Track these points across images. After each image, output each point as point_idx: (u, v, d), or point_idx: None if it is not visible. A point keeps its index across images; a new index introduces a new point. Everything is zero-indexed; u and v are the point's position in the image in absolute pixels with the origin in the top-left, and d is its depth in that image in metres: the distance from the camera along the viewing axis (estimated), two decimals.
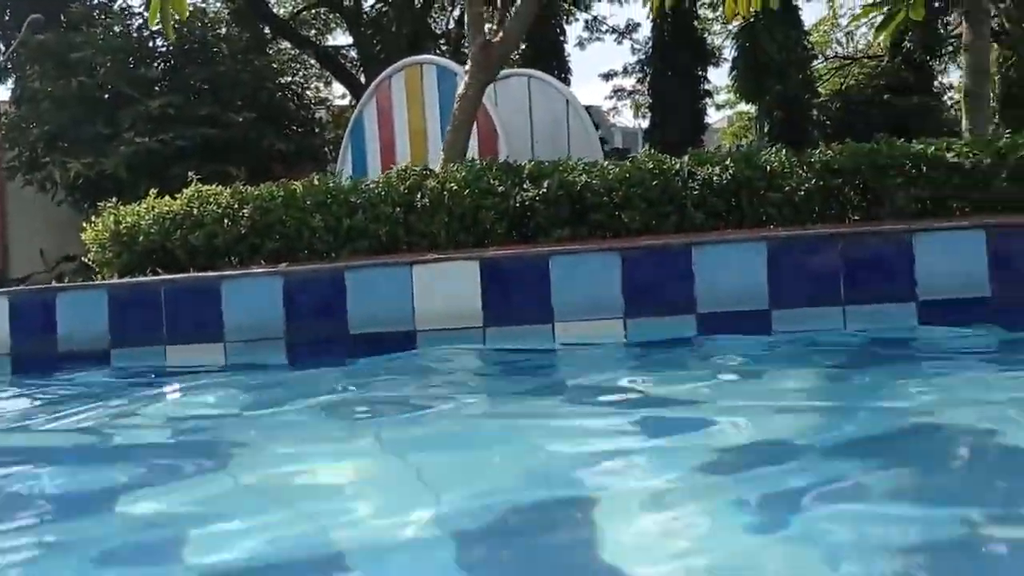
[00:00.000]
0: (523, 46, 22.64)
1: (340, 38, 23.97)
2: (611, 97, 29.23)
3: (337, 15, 22.40)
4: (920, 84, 20.50)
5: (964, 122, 6.70)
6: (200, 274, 4.56)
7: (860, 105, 20.42)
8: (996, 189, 5.10)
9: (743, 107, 25.01)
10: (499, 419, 2.58)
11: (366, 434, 2.49)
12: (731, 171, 5.19)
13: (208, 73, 14.40)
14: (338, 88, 23.26)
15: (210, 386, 3.71)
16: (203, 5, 17.56)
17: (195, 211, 5.44)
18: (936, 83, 22.16)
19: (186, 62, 14.59)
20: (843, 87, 22.95)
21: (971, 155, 5.14)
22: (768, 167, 5.25)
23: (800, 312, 3.31)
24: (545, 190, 5.12)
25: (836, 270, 3.34)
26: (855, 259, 3.34)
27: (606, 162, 5.46)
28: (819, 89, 22.85)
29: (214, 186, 5.75)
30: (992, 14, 17.28)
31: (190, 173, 6.07)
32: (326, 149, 16.46)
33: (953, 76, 23.42)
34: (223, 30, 16.31)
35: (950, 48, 20.32)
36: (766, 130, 20.04)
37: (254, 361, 3.96)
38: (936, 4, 17.30)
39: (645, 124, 23.60)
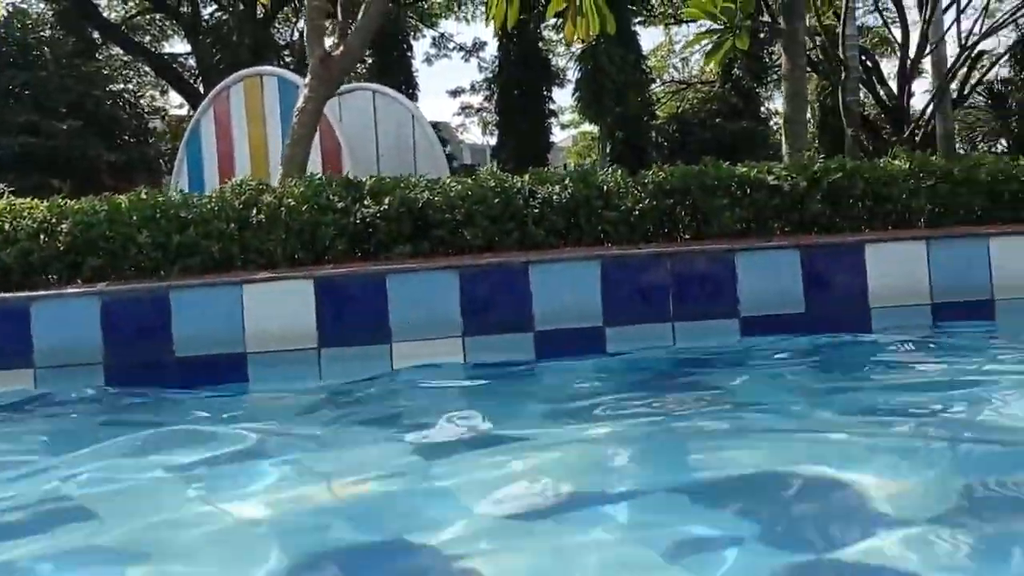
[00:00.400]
0: (369, 61, 22.45)
1: (178, 46, 23.03)
2: (459, 114, 29.48)
3: (174, 22, 21.48)
4: (748, 109, 21.76)
5: (784, 146, 7.14)
6: (5, 295, 4.21)
7: (695, 128, 21.44)
8: (811, 210, 5.45)
9: (587, 127, 25.79)
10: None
11: None
12: (570, 190, 5.30)
13: (28, 78, 13.46)
14: (176, 98, 22.32)
15: None
16: (24, 5, 16.43)
17: (7, 226, 5.04)
18: (763, 109, 23.58)
19: (3, 65, 13.58)
20: (679, 110, 24.03)
21: (789, 178, 5.46)
22: (605, 187, 5.40)
23: (633, 329, 3.40)
24: (386, 207, 5.06)
25: (666, 288, 3.45)
26: (683, 277, 3.47)
27: (448, 179, 5.46)
28: (657, 112, 23.84)
29: (29, 199, 5.35)
30: (811, 47, 18.56)
31: (1, 185, 5.62)
32: (161, 161, 15.73)
33: (778, 102, 24.96)
34: (47, 32, 15.31)
35: (774, 76, 21.67)
36: (608, 150, 20.71)
37: (66, 390, 3.67)
38: (761, 36, 18.41)
39: (493, 141, 23.93)
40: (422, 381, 3.05)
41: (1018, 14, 10.61)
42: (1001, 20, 10.19)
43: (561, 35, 23.86)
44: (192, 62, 21.23)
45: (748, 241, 4.61)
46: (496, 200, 5.21)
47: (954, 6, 10.44)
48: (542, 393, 2.79)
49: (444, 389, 2.87)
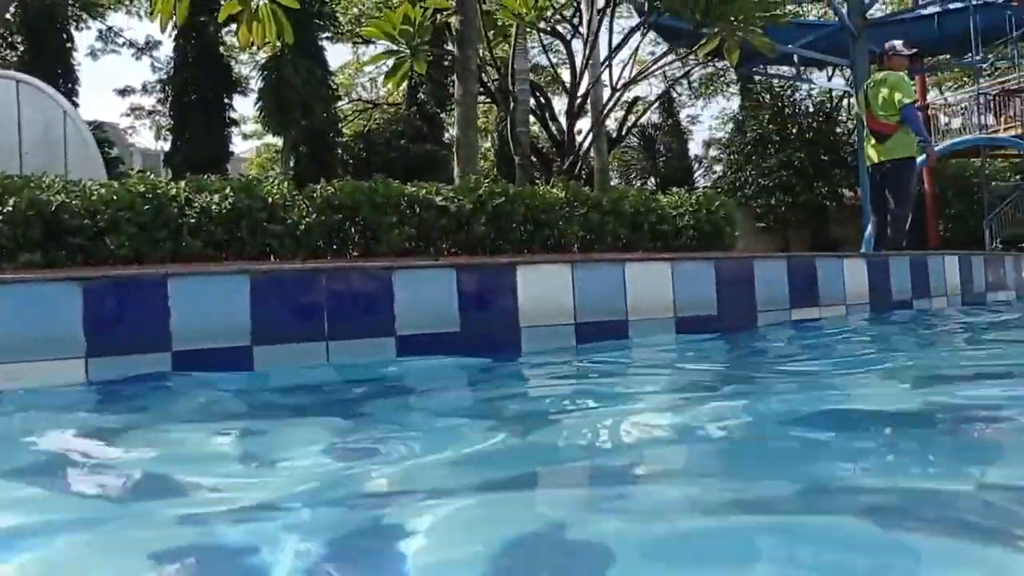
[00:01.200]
0: (22, 48, 20.09)
1: None
2: (129, 115, 27.28)
3: None
4: (432, 134, 22.43)
5: (456, 169, 7.34)
6: None
7: (380, 147, 21.68)
8: (477, 232, 5.62)
9: (271, 139, 25.02)
10: None
11: None
12: (231, 200, 5.01)
13: None
14: None
15: None
16: None
17: None
18: (447, 135, 24.39)
19: None
20: (366, 130, 24.17)
21: (456, 200, 5.60)
22: (270, 198, 5.18)
23: (284, 348, 3.23)
24: (11, 209, 4.44)
25: (320, 305, 3.32)
26: (339, 294, 3.36)
27: (90, 181, 4.92)
28: (344, 129, 23.78)
29: None
30: (493, 78, 19.52)
31: None
32: None
33: None
34: None
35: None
36: (292, 164, 20.25)
37: None
38: (445, 63, 19.05)
39: (168, 147, 22.43)
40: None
41: (660, 64, 11.95)
42: (645, 70, 11.39)
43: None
44: None
45: (404, 260, 4.63)
46: (146, 207, 4.79)
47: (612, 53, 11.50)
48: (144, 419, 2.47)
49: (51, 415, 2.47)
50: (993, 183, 20.14)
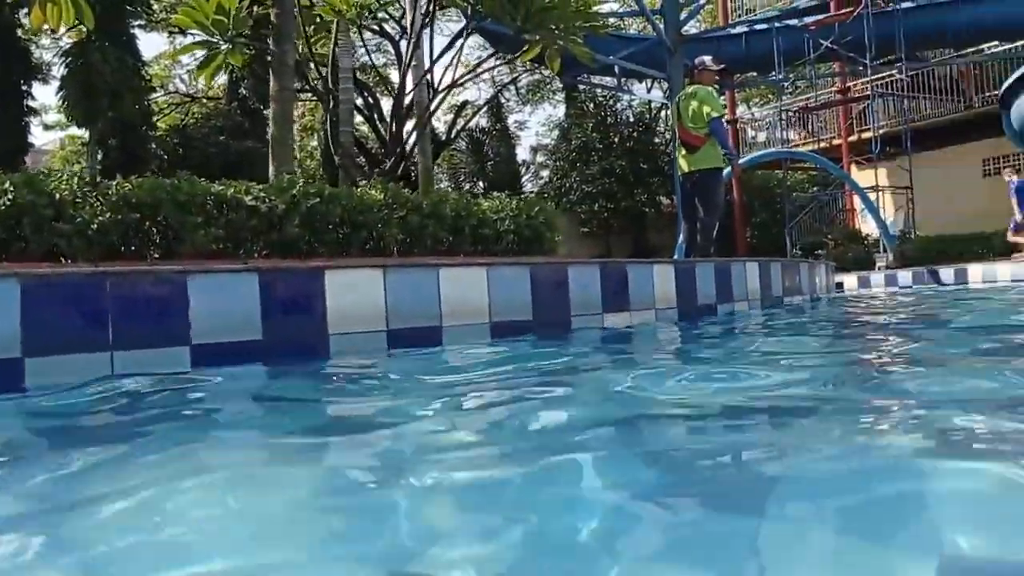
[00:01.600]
0: None
1: None
2: None
3: None
4: (255, 130, 21.56)
5: (271, 167, 7.05)
6: None
7: (198, 142, 20.66)
8: (290, 233, 5.41)
9: (77, 131, 23.27)
10: None
11: None
12: (11, 195, 4.58)
13: None
14: None
15: None
16: None
17: None
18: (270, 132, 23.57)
19: None
20: (183, 124, 22.97)
21: (268, 199, 5.37)
22: (57, 195, 4.77)
23: (61, 360, 2.94)
24: None
25: (104, 312, 3.05)
26: (126, 301, 3.10)
27: None
28: (159, 123, 22.51)
29: None
30: (318, 77, 19.04)
31: None
32: None
33: None
34: None
35: None
36: (100, 157, 18.96)
37: None
38: (268, 58, 18.39)
39: None
40: None
41: (484, 68, 12.03)
42: (469, 73, 11.43)
43: (45, 26, 21.29)
44: None
45: (202, 263, 4.39)
46: None
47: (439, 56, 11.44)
48: None
49: None
50: (794, 194, 21.66)
